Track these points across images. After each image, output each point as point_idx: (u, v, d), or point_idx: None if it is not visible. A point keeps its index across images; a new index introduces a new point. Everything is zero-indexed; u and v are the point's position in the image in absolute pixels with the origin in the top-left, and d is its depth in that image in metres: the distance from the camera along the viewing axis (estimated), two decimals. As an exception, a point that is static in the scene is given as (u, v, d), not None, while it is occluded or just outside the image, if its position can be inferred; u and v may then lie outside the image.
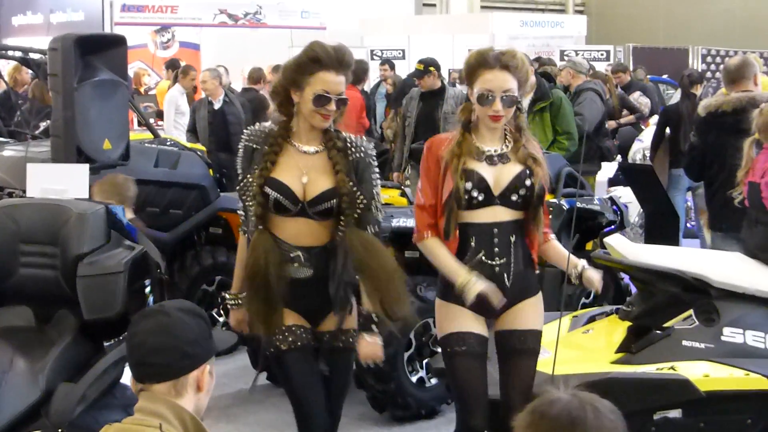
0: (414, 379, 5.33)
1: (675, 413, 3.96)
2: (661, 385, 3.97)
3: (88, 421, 3.10)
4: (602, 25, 23.91)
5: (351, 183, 3.48)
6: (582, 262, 3.64)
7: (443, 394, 5.23)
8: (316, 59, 3.42)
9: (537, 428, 1.88)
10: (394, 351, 4.92)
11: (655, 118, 10.62)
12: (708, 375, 3.94)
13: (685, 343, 4.10)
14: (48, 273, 3.41)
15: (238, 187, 3.59)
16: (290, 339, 3.46)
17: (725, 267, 4.36)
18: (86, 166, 3.75)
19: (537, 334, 3.67)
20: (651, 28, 24.23)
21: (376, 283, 3.48)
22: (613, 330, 4.31)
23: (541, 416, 1.89)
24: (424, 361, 5.36)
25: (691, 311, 4.27)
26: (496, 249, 3.54)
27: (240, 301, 3.64)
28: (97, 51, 5.76)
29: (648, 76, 14.41)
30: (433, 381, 5.37)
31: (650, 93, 12.65)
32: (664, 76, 15.59)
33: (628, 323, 4.33)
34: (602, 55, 18.40)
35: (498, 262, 3.53)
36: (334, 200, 3.46)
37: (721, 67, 11.07)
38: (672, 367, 3.97)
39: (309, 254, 3.49)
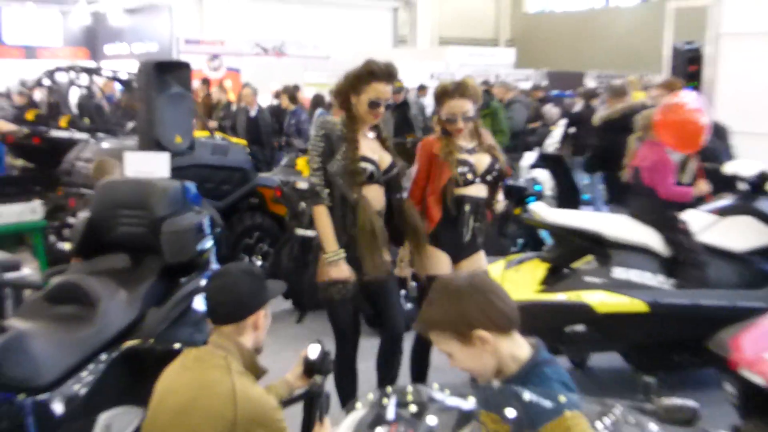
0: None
1: (580, 327, 3.99)
2: (570, 308, 4.00)
3: (170, 335, 3.09)
4: (525, 55, 23.78)
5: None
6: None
7: (415, 315, 5.24)
8: (371, 72, 3.28)
9: (434, 288, 1.91)
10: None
11: (562, 122, 10.63)
12: (603, 301, 3.98)
13: (586, 278, 4.13)
14: (139, 230, 3.37)
15: (315, 168, 3.32)
16: (343, 292, 3.36)
17: (615, 225, 4.38)
18: (168, 154, 3.69)
19: (488, 271, 3.73)
20: (560, 57, 24.21)
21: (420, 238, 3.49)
22: (536, 269, 4.33)
23: (439, 283, 1.92)
24: (402, 292, 5.37)
25: (591, 256, 4.31)
26: (479, 215, 3.57)
27: (340, 256, 3.32)
28: (170, 71, 5.71)
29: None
30: (408, 306, 5.39)
31: (559, 104, 12.64)
32: (568, 92, 15.59)
33: (547, 264, 4.35)
34: (526, 77, 18.37)
35: (479, 225, 3.58)
36: (395, 169, 3.42)
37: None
38: (578, 296, 4.01)
39: None
